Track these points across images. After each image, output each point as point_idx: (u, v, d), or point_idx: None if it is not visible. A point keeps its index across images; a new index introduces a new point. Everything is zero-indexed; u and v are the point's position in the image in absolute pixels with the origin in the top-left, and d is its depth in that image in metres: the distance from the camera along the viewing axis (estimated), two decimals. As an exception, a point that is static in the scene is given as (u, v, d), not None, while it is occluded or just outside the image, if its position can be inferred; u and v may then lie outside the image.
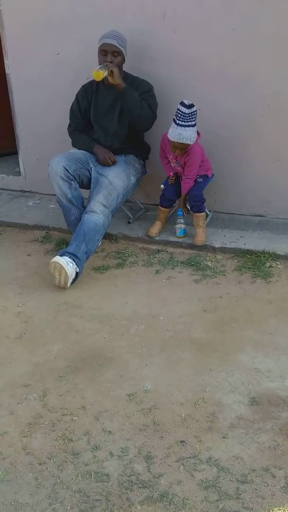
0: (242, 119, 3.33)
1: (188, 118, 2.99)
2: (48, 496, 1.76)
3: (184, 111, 2.99)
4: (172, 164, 3.26)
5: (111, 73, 3.03)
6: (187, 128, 3.00)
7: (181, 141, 3.02)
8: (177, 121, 3.01)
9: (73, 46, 3.53)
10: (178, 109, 3.01)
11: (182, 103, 3.00)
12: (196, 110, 3.01)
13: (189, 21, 3.21)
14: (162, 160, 3.32)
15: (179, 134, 3.00)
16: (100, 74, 2.99)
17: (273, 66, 3.15)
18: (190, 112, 2.99)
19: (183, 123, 2.99)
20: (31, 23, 3.59)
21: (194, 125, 3.03)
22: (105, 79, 3.09)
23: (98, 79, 3.03)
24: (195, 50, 3.26)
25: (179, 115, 3.00)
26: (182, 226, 3.30)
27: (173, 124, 3.03)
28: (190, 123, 3.00)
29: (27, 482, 1.81)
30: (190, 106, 2.99)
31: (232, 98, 3.30)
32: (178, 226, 3.30)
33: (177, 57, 3.31)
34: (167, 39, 3.28)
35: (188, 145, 3.06)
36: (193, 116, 3.01)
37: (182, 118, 2.99)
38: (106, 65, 3.03)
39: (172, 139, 3.04)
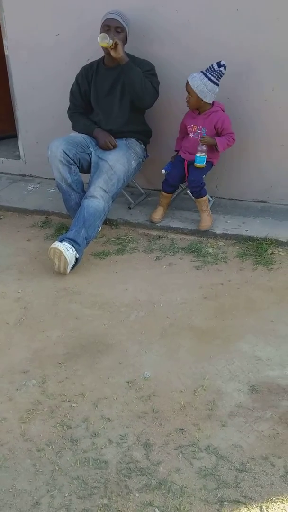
0: (245, 103, 3.27)
1: (213, 72, 3.00)
2: (46, 482, 1.75)
3: (214, 65, 3.01)
4: (191, 134, 3.20)
5: (114, 45, 2.94)
6: (205, 79, 3.00)
7: (190, 82, 3.01)
8: (204, 70, 3.03)
9: (72, 27, 3.45)
10: (212, 64, 3.03)
11: (219, 61, 3.01)
12: (223, 74, 3.02)
13: (192, 1, 3.13)
14: (179, 134, 3.32)
15: (194, 77, 3.02)
16: (106, 39, 2.90)
17: (278, 49, 3.08)
18: (218, 69, 3.00)
19: (206, 72, 3.01)
20: (30, 3, 3.51)
21: (213, 82, 3.01)
22: (106, 56, 2.99)
23: (102, 43, 2.93)
24: (198, 32, 3.19)
25: (208, 67, 3.03)
26: (203, 154, 3.09)
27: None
28: (212, 77, 3.00)
29: (26, 469, 1.80)
30: (222, 65, 3.00)
31: (235, 82, 3.23)
32: (198, 154, 3.10)
33: (179, 38, 3.24)
34: (170, 19, 3.21)
35: (193, 94, 3.03)
36: (217, 74, 3.01)
37: (208, 69, 3.02)
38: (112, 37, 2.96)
39: (187, 78, 3.04)
